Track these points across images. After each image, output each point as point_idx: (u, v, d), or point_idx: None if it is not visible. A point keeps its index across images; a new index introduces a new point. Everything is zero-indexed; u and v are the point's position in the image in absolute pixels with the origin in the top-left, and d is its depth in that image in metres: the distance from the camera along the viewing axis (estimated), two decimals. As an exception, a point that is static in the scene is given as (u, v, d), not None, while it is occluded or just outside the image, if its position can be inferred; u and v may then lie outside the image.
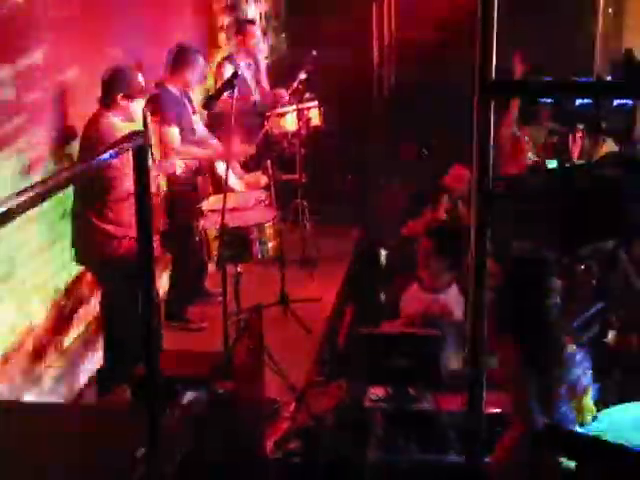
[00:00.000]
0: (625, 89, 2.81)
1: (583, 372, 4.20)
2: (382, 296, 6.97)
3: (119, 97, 5.57)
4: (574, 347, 4.20)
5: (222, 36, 8.84)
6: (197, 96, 7.48)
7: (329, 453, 5.00)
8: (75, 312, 5.89)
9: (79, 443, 3.16)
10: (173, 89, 6.68)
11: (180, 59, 6.71)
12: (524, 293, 4.08)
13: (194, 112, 6.97)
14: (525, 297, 4.07)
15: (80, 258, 5.75)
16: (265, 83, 8.61)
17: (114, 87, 5.58)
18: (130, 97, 5.62)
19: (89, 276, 5.94)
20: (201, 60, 6.82)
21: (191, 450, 3.27)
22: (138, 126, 5.65)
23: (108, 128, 5.47)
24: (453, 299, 5.82)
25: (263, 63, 8.59)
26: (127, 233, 5.45)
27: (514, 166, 8.31)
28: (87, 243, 5.68)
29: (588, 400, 4.21)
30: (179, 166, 6.27)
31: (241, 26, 8.30)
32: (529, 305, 4.06)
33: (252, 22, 8.48)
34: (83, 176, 2.48)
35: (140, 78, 5.74)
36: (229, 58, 8.07)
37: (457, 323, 5.67)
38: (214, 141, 7.08)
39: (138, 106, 5.73)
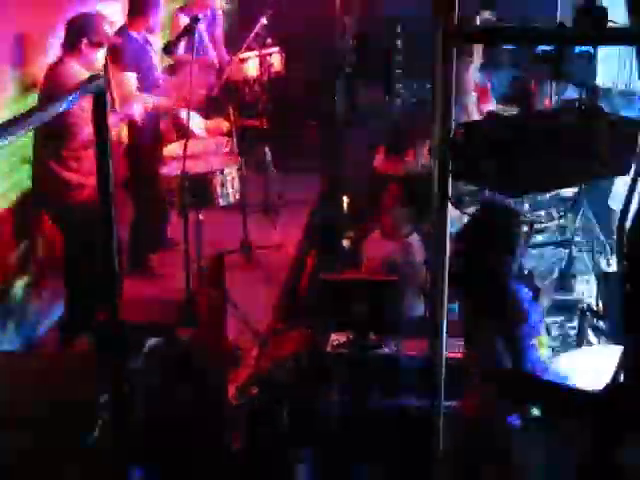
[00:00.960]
0: (585, 36, 2.82)
1: (539, 313, 4.26)
2: (344, 243, 7.00)
3: (84, 43, 5.49)
4: (528, 291, 4.24)
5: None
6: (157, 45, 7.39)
7: (291, 399, 5.04)
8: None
9: (43, 391, 3.17)
10: (135, 35, 6.57)
11: (141, 2, 6.60)
12: (494, 241, 4.10)
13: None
14: (495, 245, 4.09)
15: (40, 205, 5.71)
16: (220, 40, 8.42)
17: (80, 32, 5.50)
18: (95, 44, 5.54)
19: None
20: (161, 2, 6.69)
21: (154, 396, 3.28)
22: (99, 74, 5.58)
23: (69, 75, 5.40)
24: (414, 246, 5.85)
25: (220, 17, 8.40)
26: (87, 181, 5.41)
27: (476, 114, 8.33)
28: (47, 190, 5.63)
29: (544, 337, 4.28)
30: (138, 111, 6.15)
31: None
32: (499, 252, 4.09)
33: None
34: (42, 122, 2.44)
35: (107, 26, 5.67)
36: (183, 9, 7.93)
37: (417, 269, 5.72)
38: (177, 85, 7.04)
39: (100, 55, 5.66)
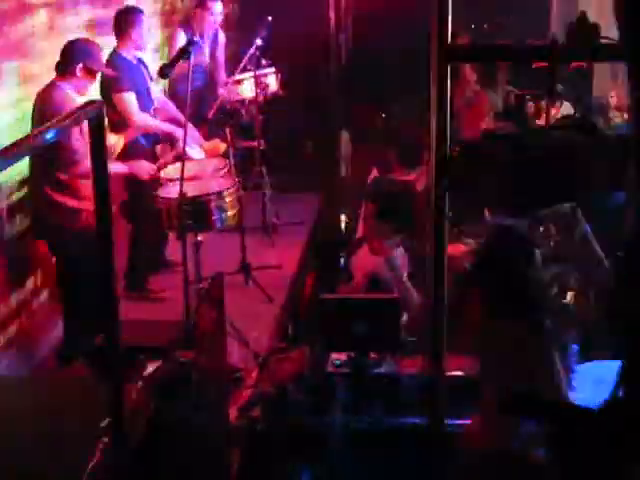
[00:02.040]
0: (577, 53, 2.83)
1: None
2: (342, 262, 7.00)
3: (79, 68, 5.51)
4: None
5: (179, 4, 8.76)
6: (154, 65, 7.41)
7: (292, 420, 5.03)
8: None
9: (43, 415, 3.16)
10: (127, 55, 6.60)
11: (123, 21, 6.61)
12: (509, 263, 4.02)
13: (151, 79, 6.90)
14: (510, 267, 4.01)
15: (37, 230, 5.71)
16: (221, 61, 8.42)
17: (76, 58, 5.52)
18: (90, 71, 5.57)
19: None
20: (144, 18, 6.69)
21: (154, 419, 3.28)
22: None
23: (61, 99, 5.42)
24: (399, 260, 5.85)
25: (223, 37, 8.39)
26: (85, 206, 5.42)
27: (473, 131, 8.36)
28: (44, 216, 5.64)
29: None
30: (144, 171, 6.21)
31: (202, 1, 8.13)
32: (513, 276, 4.01)
33: None
34: (37, 148, 2.45)
35: (102, 55, 5.72)
36: (184, 27, 7.95)
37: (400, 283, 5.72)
38: (173, 107, 7.06)
39: (93, 83, 5.70)
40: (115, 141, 6.07)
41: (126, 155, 6.35)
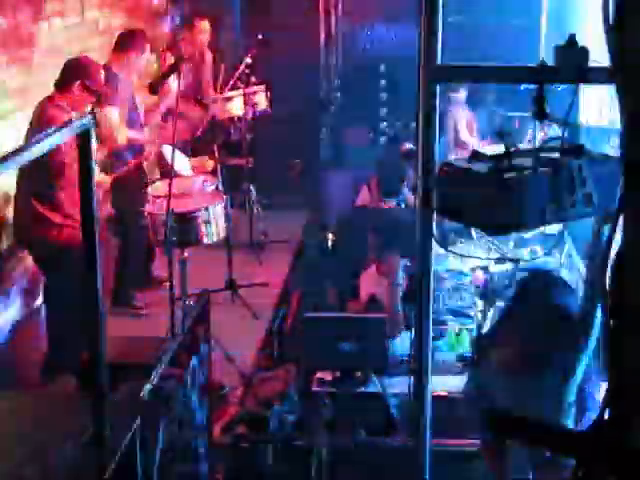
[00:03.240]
0: (565, 74, 2.85)
1: None
2: (328, 283, 7.00)
3: (76, 85, 5.53)
4: None
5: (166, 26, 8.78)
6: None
7: (277, 438, 5.02)
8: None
9: (26, 430, 3.14)
10: (119, 73, 6.61)
11: (127, 42, 6.64)
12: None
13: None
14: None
15: (22, 242, 5.70)
16: (208, 79, 8.44)
17: (75, 74, 5.54)
18: (87, 89, 5.58)
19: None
20: (147, 46, 6.73)
21: (138, 436, 3.26)
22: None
23: (56, 114, 5.42)
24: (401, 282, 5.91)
25: (209, 56, 8.42)
26: (69, 222, 5.41)
27: (462, 148, 8.41)
28: (28, 228, 5.63)
29: None
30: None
31: (188, 20, 8.14)
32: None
33: (202, 17, 8.21)
34: (27, 160, 2.45)
35: (102, 76, 5.74)
36: (171, 48, 7.97)
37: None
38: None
39: (89, 101, 5.71)
40: (102, 179, 6.06)
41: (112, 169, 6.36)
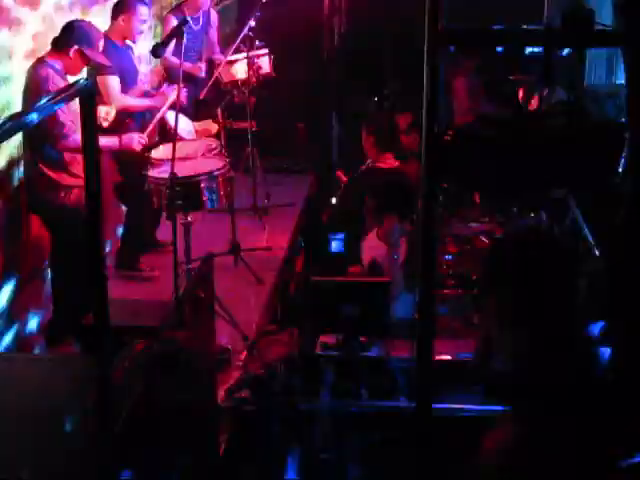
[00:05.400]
0: (572, 38, 2.82)
1: None
2: (333, 245, 7.01)
3: (74, 50, 5.49)
4: None
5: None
6: (146, 44, 7.39)
7: (280, 401, 5.04)
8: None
9: (29, 394, 3.15)
10: (116, 40, 6.56)
11: (117, 7, 6.59)
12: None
13: (139, 62, 6.88)
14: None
15: (32, 207, 5.71)
16: (214, 41, 8.36)
17: (74, 38, 5.50)
18: (83, 56, 5.54)
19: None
20: (142, 9, 6.65)
21: (142, 400, 3.27)
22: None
23: (48, 77, 5.39)
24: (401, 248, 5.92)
25: (215, 17, 8.34)
26: (78, 183, 5.41)
27: (468, 115, 8.35)
28: (38, 192, 5.63)
29: None
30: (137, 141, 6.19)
31: None
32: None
33: None
34: (29, 125, 2.44)
35: (101, 43, 5.70)
36: (175, 11, 7.89)
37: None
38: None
39: (83, 66, 5.68)
40: (106, 110, 6.05)
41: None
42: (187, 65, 7.21)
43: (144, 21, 6.71)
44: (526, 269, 3.40)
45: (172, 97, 6.51)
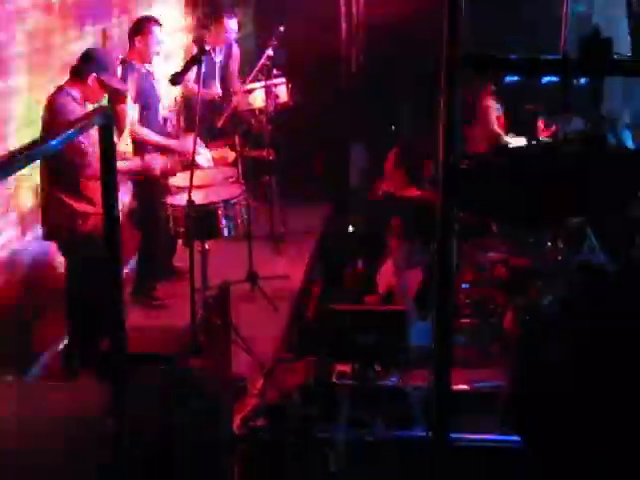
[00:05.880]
0: (590, 67, 2.82)
1: None
2: (350, 270, 7.01)
3: (92, 77, 5.53)
4: None
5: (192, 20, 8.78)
6: (164, 71, 7.43)
7: (296, 430, 5.02)
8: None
9: (47, 422, 3.15)
10: (137, 65, 6.60)
11: (133, 30, 6.64)
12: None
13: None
14: None
15: (48, 235, 5.73)
16: (235, 73, 8.39)
17: (92, 66, 5.54)
18: (102, 83, 5.58)
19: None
20: (156, 30, 6.70)
21: (158, 427, 3.27)
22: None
23: (68, 105, 5.43)
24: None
25: (237, 50, 8.37)
26: (95, 210, 5.42)
27: (485, 141, 8.35)
28: (55, 220, 5.65)
29: None
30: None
31: (216, 15, 8.10)
32: None
33: (229, 13, 8.14)
34: (47, 153, 2.46)
35: (118, 73, 5.75)
36: (196, 41, 7.94)
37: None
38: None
39: (102, 94, 5.72)
40: (124, 147, 6.08)
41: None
42: (204, 92, 7.27)
43: (159, 42, 6.74)
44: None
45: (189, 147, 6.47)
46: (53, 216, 5.65)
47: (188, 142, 6.49)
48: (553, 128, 7.70)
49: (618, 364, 2.82)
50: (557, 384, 3.03)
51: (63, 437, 3.04)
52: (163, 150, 6.58)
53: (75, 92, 5.53)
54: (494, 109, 8.89)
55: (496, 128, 8.87)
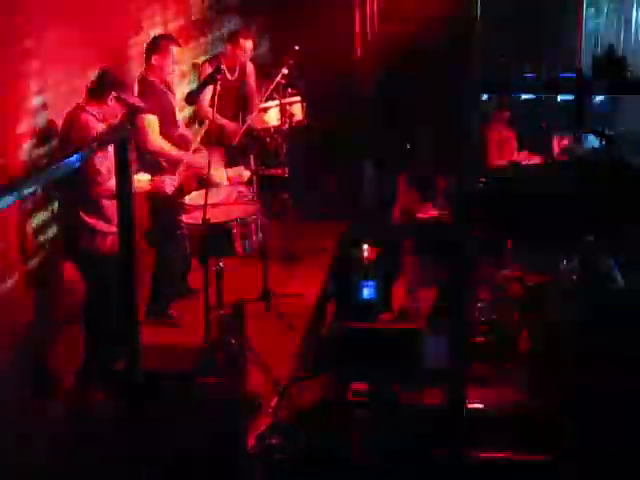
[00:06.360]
0: (604, 86, 2.82)
1: None
2: (365, 291, 7.00)
3: (111, 97, 5.56)
4: None
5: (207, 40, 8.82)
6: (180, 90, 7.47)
7: (311, 449, 5.01)
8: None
9: (64, 442, 3.16)
10: (154, 80, 6.64)
11: (150, 46, 6.67)
12: None
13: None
14: None
15: (67, 250, 5.76)
16: (252, 92, 8.40)
17: (111, 85, 5.58)
18: (121, 101, 5.62)
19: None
20: (173, 49, 6.70)
21: (174, 445, 3.27)
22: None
23: (88, 124, 5.47)
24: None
25: (251, 70, 8.37)
26: (113, 229, 5.45)
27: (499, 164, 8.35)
28: (74, 237, 5.68)
29: None
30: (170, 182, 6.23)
31: (232, 37, 8.12)
32: None
33: (245, 34, 8.12)
34: (66, 171, 2.47)
35: (135, 91, 5.78)
36: (212, 60, 7.97)
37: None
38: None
39: (122, 111, 5.75)
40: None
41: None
42: (224, 121, 7.37)
43: (176, 61, 6.78)
44: None
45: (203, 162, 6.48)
46: (72, 233, 5.68)
47: (203, 157, 6.52)
48: (566, 142, 7.69)
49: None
50: None
51: (78, 454, 3.05)
52: (176, 166, 6.60)
53: (95, 111, 5.56)
54: (498, 140, 8.90)
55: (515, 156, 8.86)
